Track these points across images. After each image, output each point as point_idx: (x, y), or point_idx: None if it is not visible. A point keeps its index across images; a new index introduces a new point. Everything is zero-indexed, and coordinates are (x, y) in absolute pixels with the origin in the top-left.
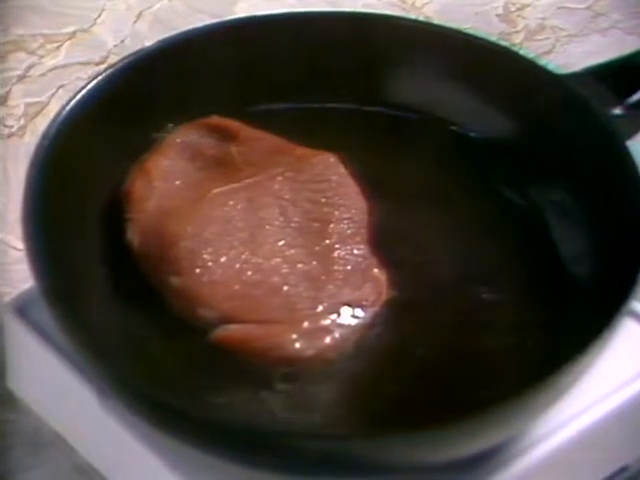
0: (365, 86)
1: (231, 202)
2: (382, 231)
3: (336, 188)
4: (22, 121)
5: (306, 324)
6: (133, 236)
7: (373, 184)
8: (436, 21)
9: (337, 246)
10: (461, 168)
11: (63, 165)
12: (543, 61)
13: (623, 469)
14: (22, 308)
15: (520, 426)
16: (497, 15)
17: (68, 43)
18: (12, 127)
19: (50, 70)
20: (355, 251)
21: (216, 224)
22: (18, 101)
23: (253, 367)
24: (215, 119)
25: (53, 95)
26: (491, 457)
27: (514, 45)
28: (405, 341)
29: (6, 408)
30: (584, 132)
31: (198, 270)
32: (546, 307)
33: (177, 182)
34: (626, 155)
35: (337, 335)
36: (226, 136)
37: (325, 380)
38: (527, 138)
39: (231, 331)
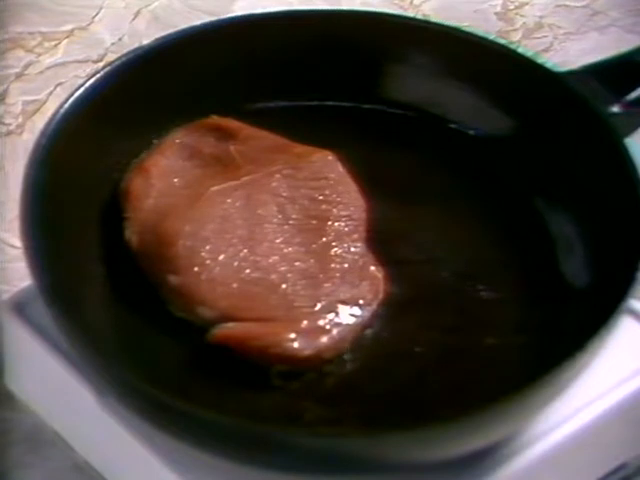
0: (363, 84)
1: (229, 200)
2: (380, 229)
3: (334, 186)
4: (20, 119)
5: (304, 323)
6: (131, 235)
7: (371, 182)
8: (434, 19)
9: (334, 244)
10: (460, 166)
11: (61, 163)
12: (541, 59)
13: (621, 466)
14: (20, 306)
15: (519, 424)
16: (495, 13)
17: (66, 41)
18: (10, 125)
19: (48, 68)
20: (352, 249)
21: (214, 222)
22: (16, 99)
23: (251, 365)
24: (214, 119)
25: (51, 93)
26: (490, 455)
27: (512, 43)
28: (403, 339)
29: (4, 406)
30: (582, 130)
31: (196, 268)
32: (545, 305)
33: (175, 180)
34: (624, 153)
35: (335, 334)
36: (225, 135)
37: (323, 378)
38: (525, 136)
39: (229, 329)
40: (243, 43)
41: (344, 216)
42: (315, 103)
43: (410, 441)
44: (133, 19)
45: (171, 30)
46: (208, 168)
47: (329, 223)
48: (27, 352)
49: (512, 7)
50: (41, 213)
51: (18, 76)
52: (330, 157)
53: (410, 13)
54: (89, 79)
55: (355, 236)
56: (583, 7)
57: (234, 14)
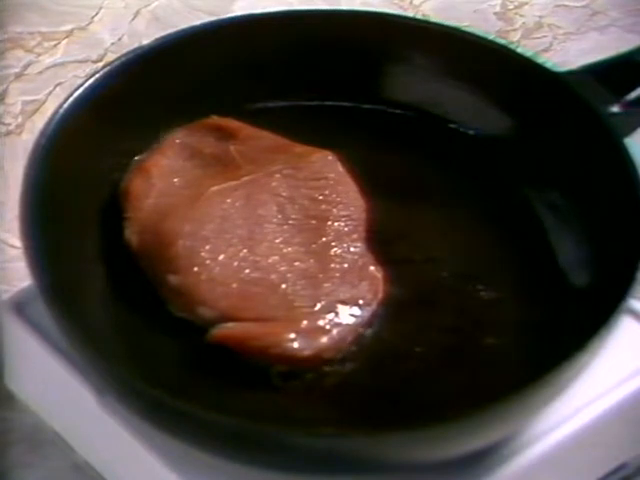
0: (363, 84)
1: (229, 200)
2: (380, 229)
3: (334, 186)
4: (20, 119)
5: (304, 323)
6: (131, 235)
7: (371, 182)
8: (434, 19)
9: (334, 244)
10: (460, 166)
11: (61, 163)
12: (541, 59)
13: (621, 466)
14: (20, 306)
15: (519, 424)
16: (495, 13)
17: (66, 41)
18: (10, 125)
19: (48, 68)
20: (352, 249)
21: (214, 222)
22: (16, 99)
23: (251, 365)
24: (215, 119)
25: (50, 93)
26: (490, 455)
27: (512, 43)
28: (403, 339)
29: (4, 406)
30: (582, 130)
31: (196, 268)
32: (545, 305)
33: (175, 180)
34: (624, 153)
35: (334, 334)
36: (225, 135)
37: (323, 378)
38: (525, 136)
39: (229, 329)
40: (243, 43)
41: (344, 216)
42: (315, 103)
43: (410, 441)
44: (133, 19)
45: (171, 30)
46: (208, 168)
47: (329, 223)
48: (27, 352)
49: (511, 7)
50: (41, 213)
51: (18, 76)
52: (330, 157)
53: (410, 13)
54: (89, 79)
55: (355, 236)
56: (583, 7)
57: (234, 14)
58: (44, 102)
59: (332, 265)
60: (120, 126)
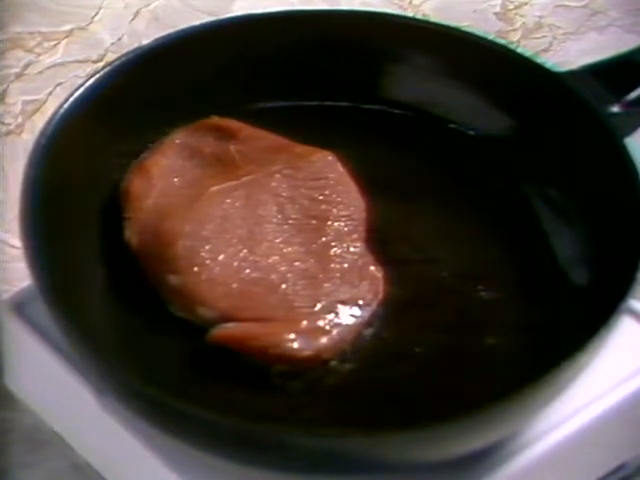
0: (363, 84)
1: (229, 200)
2: (380, 229)
3: (334, 186)
4: (20, 119)
5: (304, 323)
6: (131, 235)
7: (371, 182)
8: (434, 19)
9: (334, 244)
10: (460, 166)
11: (61, 163)
12: (541, 59)
13: (620, 467)
14: (20, 306)
15: (518, 424)
16: (495, 13)
17: (66, 41)
18: (10, 125)
19: (48, 68)
20: (352, 249)
21: (214, 222)
22: (16, 99)
23: (251, 365)
24: (215, 119)
25: (51, 93)
26: (489, 455)
27: (512, 43)
28: (403, 339)
29: (4, 406)
30: (582, 130)
31: (196, 268)
32: (545, 305)
33: (175, 180)
34: (624, 153)
35: (334, 334)
36: (225, 135)
37: (323, 378)
38: (525, 136)
39: (229, 329)
40: (243, 43)
41: (344, 216)
42: (315, 103)
43: (410, 441)
44: (133, 19)
45: (171, 30)
46: (208, 168)
47: (329, 223)
48: (27, 352)
49: (511, 7)
50: (41, 213)
51: (18, 76)
52: (330, 157)
53: (410, 13)
54: (89, 79)
55: (355, 236)
56: (582, 7)
57: (234, 14)
58: (44, 102)
59: (332, 265)
60: (120, 126)
